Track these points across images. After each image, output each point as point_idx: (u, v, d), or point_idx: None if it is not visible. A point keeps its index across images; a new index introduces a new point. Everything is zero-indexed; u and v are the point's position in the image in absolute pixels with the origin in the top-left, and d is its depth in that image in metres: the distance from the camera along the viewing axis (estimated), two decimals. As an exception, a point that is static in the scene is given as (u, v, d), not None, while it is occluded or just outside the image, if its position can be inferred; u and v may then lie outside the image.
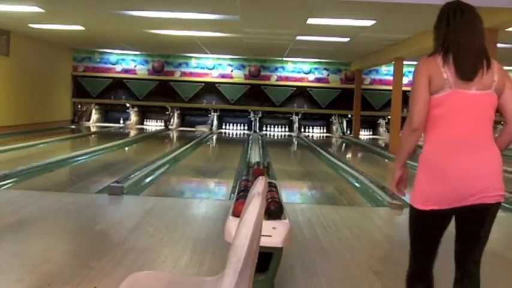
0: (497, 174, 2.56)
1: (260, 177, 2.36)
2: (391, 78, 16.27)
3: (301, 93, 20.40)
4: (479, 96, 2.53)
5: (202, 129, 19.89)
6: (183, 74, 20.37)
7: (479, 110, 2.54)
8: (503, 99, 2.61)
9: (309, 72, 20.46)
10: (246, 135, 18.69)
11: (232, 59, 20.28)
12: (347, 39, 13.59)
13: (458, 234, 2.68)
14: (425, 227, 2.65)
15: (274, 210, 3.50)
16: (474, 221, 2.61)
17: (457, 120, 2.52)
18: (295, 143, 18.08)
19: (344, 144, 18.11)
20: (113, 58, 20.44)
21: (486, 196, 2.53)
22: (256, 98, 20.33)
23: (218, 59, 20.22)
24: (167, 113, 20.82)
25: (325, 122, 21.12)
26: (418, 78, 2.53)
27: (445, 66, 2.51)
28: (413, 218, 2.68)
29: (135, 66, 20.46)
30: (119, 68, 20.48)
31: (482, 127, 2.56)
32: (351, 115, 19.77)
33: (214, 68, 20.34)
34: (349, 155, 15.31)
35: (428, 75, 2.51)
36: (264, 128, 20.64)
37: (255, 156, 11.56)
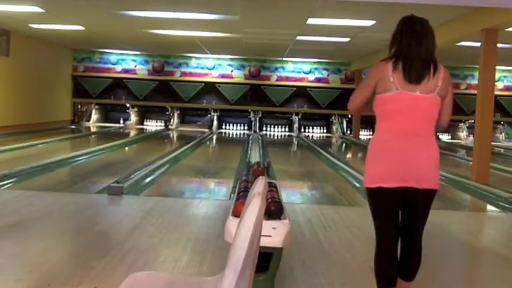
0: (434, 166, 3.00)
1: (260, 177, 2.36)
2: (391, 78, 16.24)
3: (301, 93, 20.39)
4: (423, 98, 2.95)
5: (199, 129, 19.89)
6: (183, 74, 20.37)
7: (421, 109, 2.96)
8: (443, 105, 3.05)
9: (309, 72, 20.45)
10: (246, 135, 18.69)
11: (232, 59, 20.28)
12: (347, 39, 13.59)
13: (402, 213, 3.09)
14: (377, 205, 3.07)
15: (274, 210, 3.50)
16: (416, 202, 3.02)
17: (402, 116, 2.96)
18: (295, 143, 18.08)
19: (344, 144, 18.11)
20: (113, 58, 20.43)
21: (424, 182, 2.95)
22: (256, 98, 20.33)
23: (218, 59, 20.22)
24: (167, 113, 20.82)
25: (325, 122, 21.11)
26: (367, 79, 3.06)
27: (395, 71, 2.93)
28: (368, 199, 3.12)
29: (135, 66, 20.46)
30: (119, 68, 20.48)
31: (424, 123, 2.98)
32: (351, 115, 19.77)
33: (214, 68, 20.34)
34: (349, 155, 15.31)
35: (376, 78, 2.99)
36: (264, 128, 20.63)
37: (255, 156, 11.56)
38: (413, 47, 2.94)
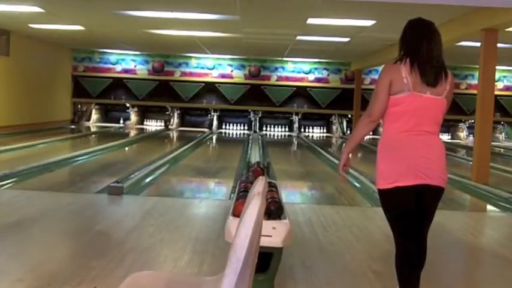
0: (443, 165, 3.09)
1: (260, 177, 2.36)
2: (391, 78, 16.24)
3: (301, 93, 20.39)
4: (432, 100, 3.03)
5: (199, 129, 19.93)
6: (183, 74, 20.37)
7: (429, 111, 3.04)
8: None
9: (309, 72, 20.45)
10: (246, 135, 18.69)
11: (232, 59, 20.28)
12: (347, 39, 13.59)
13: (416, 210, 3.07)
14: (394, 205, 3.05)
15: (274, 210, 3.50)
16: (427, 199, 3.05)
17: (411, 117, 3.01)
18: (295, 143, 18.08)
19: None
20: (112, 58, 20.43)
21: (435, 179, 3.02)
22: (256, 98, 20.33)
23: (218, 59, 20.22)
24: (167, 113, 20.82)
25: (325, 122, 21.10)
26: (381, 82, 3.06)
27: (412, 73, 2.98)
28: (383, 201, 3.11)
29: (135, 66, 20.46)
30: (118, 68, 20.47)
31: (430, 124, 3.05)
32: (351, 115, 19.78)
33: (214, 68, 20.34)
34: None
35: (390, 80, 3.02)
36: (264, 128, 20.63)
37: (255, 156, 11.55)
38: (424, 49, 3.01)
